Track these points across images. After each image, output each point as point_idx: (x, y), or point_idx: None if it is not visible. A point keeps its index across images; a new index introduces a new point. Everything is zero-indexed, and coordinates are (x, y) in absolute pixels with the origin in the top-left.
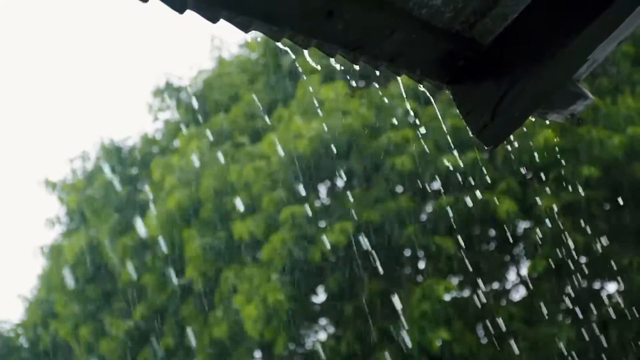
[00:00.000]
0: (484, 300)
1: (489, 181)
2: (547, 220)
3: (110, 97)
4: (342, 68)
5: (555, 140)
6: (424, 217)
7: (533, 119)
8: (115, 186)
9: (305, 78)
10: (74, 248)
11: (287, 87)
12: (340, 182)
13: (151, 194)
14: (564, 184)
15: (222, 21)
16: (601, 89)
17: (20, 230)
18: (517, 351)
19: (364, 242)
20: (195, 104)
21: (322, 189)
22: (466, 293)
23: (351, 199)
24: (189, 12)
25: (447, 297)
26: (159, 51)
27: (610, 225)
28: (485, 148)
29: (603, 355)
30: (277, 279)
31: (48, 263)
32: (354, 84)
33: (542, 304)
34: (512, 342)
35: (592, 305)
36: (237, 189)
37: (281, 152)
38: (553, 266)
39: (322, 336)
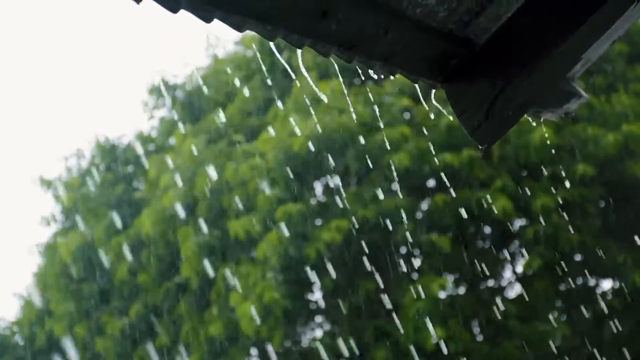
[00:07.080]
0: (479, 297)
1: (485, 179)
2: (542, 218)
3: (106, 95)
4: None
5: (550, 138)
6: (419, 214)
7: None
8: (111, 184)
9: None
10: (70, 246)
11: (283, 85)
12: (336, 180)
13: (146, 192)
14: (559, 181)
15: (215, 21)
16: (596, 87)
17: (15, 228)
18: (512, 348)
19: (360, 239)
20: (190, 101)
21: (318, 187)
22: (461, 290)
23: (347, 197)
24: (182, 12)
25: (442, 295)
26: (154, 49)
27: (604, 222)
28: (480, 147)
29: (598, 352)
30: (273, 277)
31: (43, 261)
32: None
33: (537, 301)
34: (508, 339)
35: (587, 302)
36: (232, 187)
37: (277, 150)
38: (548, 263)
39: (318, 334)
